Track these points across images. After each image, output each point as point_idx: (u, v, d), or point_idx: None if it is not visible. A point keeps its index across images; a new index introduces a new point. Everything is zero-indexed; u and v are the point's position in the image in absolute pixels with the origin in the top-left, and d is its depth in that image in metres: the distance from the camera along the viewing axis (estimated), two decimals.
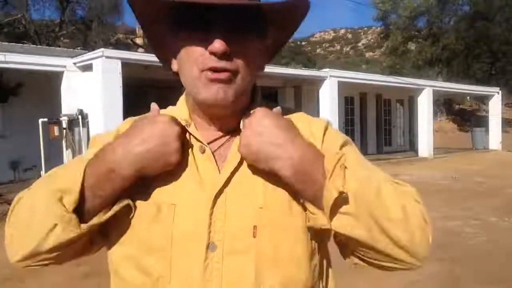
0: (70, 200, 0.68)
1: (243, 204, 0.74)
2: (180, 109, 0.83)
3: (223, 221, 0.72)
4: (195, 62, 0.72)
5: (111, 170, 0.70)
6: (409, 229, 0.66)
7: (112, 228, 0.77)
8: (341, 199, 0.65)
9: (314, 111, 13.30)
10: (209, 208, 0.72)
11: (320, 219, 0.68)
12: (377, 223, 0.65)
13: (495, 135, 18.28)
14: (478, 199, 8.00)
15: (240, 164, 0.76)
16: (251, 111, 0.76)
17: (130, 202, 0.73)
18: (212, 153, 0.78)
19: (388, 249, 0.66)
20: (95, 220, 0.71)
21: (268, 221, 0.73)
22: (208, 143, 0.79)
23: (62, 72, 9.13)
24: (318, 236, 0.76)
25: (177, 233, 0.72)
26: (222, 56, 0.70)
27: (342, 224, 0.66)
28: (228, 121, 0.80)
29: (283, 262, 0.72)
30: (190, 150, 0.77)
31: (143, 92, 9.08)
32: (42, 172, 8.49)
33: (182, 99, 0.85)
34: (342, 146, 0.79)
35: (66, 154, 8.89)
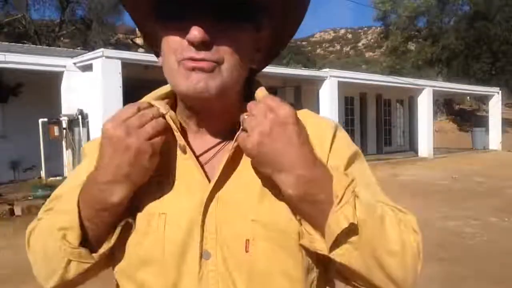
0: (73, 236, 0.67)
1: (234, 215, 0.68)
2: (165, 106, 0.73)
3: (215, 229, 0.68)
4: (173, 52, 0.66)
5: (100, 201, 0.66)
6: (405, 266, 0.64)
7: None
8: (348, 230, 0.61)
9: (314, 111, 13.27)
10: (200, 215, 0.68)
11: (318, 242, 0.64)
12: (376, 257, 0.62)
13: (495, 135, 18.28)
14: (478, 199, 8.00)
15: (233, 169, 0.71)
16: (261, 96, 0.69)
17: (130, 220, 0.69)
18: (203, 164, 0.72)
19: (382, 284, 0.64)
20: (105, 247, 0.69)
21: (261, 235, 0.67)
22: (200, 154, 0.73)
23: (62, 72, 9.14)
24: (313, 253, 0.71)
25: (169, 243, 0.68)
26: (201, 45, 0.63)
27: (342, 253, 0.62)
28: (220, 122, 0.74)
29: (276, 280, 0.68)
30: (176, 150, 0.73)
31: (143, 92, 9.05)
32: (42, 172, 8.51)
33: (163, 91, 0.77)
34: (350, 159, 0.74)
35: (66, 154, 8.90)
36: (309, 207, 0.63)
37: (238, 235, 0.68)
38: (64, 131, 8.77)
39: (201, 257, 0.68)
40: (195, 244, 0.68)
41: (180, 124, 0.74)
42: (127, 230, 0.71)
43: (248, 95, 0.76)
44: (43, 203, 0.81)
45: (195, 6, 0.64)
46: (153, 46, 0.78)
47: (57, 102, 9.14)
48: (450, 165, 13.22)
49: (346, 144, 0.77)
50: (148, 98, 0.76)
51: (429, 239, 5.35)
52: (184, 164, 0.72)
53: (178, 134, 0.71)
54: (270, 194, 0.69)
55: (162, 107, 0.71)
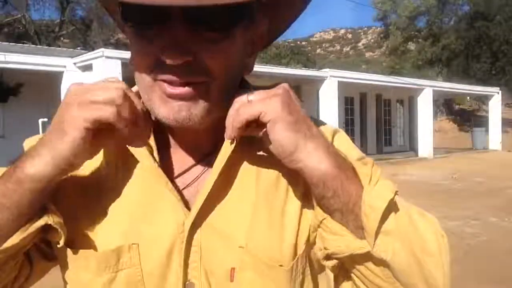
0: None
1: (220, 241, 0.60)
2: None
3: (199, 257, 0.60)
4: (147, 69, 0.55)
5: (15, 170, 0.54)
6: (443, 267, 0.55)
7: (63, 275, 0.64)
8: (388, 212, 0.53)
9: (314, 111, 13.29)
10: (182, 243, 0.59)
11: (353, 242, 0.54)
12: (413, 253, 0.54)
13: (495, 135, 18.28)
14: (478, 199, 8.00)
15: (224, 186, 0.61)
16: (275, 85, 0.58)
17: (52, 221, 0.55)
18: (185, 187, 0.62)
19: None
20: (10, 242, 0.53)
21: (249, 265, 0.59)
22: (183, 172, 0.63)
23: (62, 72, 9.14)
24: (310, 276, 0.64)
25: (148, 276, 0.59)
26: (180, 66, 0.52)
27: (384, 247, 0.53)
28: (203, 137, 0.63)
29: None
30: (153, 173, 0.61)
31: None
32: None
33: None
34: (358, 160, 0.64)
35: None
36: (342, 184, 0.54)
37: (223, 263, 0.60)
38: None
39: (184, 287, 0.60)
40: (176, 275, 0.59)
41: (155, 132, 0.62)
42: (72, 263, 0.60)
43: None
44: None
45: (172, 13, 0.51)
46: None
47: (57, 102, 9.08)
48: (450, 165, 13.21)
49: (349, 147, 0.68)
50: None
51: None
52: (158, 187, 0.61)
53: (153, 153, 0.61)
54: (259, 219, 0.61)
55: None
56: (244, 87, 0.65)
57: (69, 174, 0.58)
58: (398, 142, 18.37)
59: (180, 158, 0.64)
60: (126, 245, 0.59)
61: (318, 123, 0.69)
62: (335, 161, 0.55)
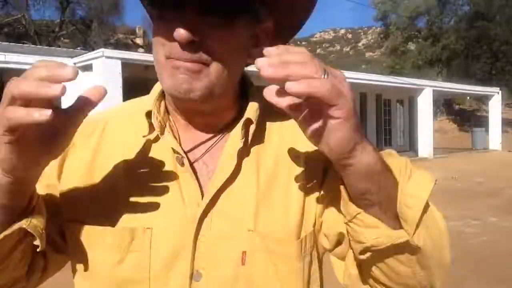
0: None
1: (230, 226, 0.63)
2: (155, 104, 0.67)
3: (208, 246, 0.62)
4: (161, 46, 0.61)
5: None
6: (449, 249, 0.63)
7: (72, 257, 0.66)
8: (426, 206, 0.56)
9: None
10: (192, 231, 0.61)
11: (393, 233, 0.56)
12: (434, 239, 0.60)
13: (495, 135, 18.28)
14: (478, 199, 8.00)
15: (231, 177, 0.64)
16: None
17: (26, 225, 0.54)
18: (193, 163, 0.66)
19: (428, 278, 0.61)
20: None
21: (259, 246, 0.62)
22: (190, 150, 0.67)
23: None
24: (316, 259, 0.67)
25: (155, 262, 0.61)
26: (188, 44, 0.58)
27: (418, 235, 0.56)
28: (211, 118, 0.67)
29: None
30: (167, 159, 0.65)
31: (143, 92, 9.07)
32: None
33: (159, 87, 0.69)
34: None
35: None
36: (385, 177, 0.56)
37: (234, 248, 0.62)
38: None
39: (191, 278, 0.61)
40: (185, 264, 0.61)
41: (168, 117, 0.68)
42: (83, 241, 0.62)
43: (244, 91, 0.71)
44: None
45: (187, 0, 0.58)
46: None
47: (57, 102, 9.14)
48: (450, 165, 13.21)
49: None
50: (149, 99, 0.69)
51: None
52: (177, 172, 0.64)
53: (175, 142, 0.65)
54: (266, 202, 0.65)
55: (157, 122, 0.65)
56: (246, 83, 0.72)
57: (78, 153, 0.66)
58: (398, 142, 18.37)
59: (189, 136, 0.68)
60: (141, 228, 0.62)
61: None
62: (380, 156, 0.56)
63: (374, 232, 0.57)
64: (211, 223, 0.63)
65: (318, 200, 0.67)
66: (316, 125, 0.51)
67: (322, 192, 0.67)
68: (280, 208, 0.65)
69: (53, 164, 0.65)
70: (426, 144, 15.43)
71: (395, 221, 0.57)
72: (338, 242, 0.67)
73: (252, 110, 0.67)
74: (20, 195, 0.55)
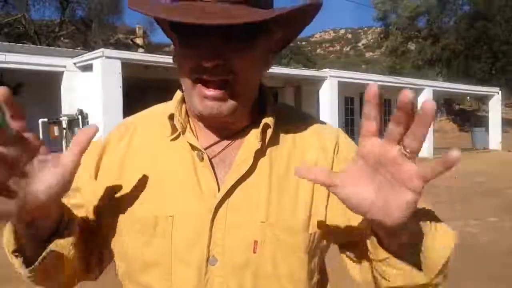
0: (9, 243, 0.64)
1: (244, 217, 0.70)
2: (177, 108, 0.76)
3: (223, 234, 0.69)
4: (188, 71, 0.68)
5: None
6: None
7: (110, 244, 0.75)
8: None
9: (314, 111, 13.29)
10: (209, 220, 0.69)
11: (416, 276, 0.60)
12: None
13: (495, 135, 18.28)
14: (478, 199, 8.00)
15: (246, 173, 0.71)
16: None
17: (55, 248, 0.63)
18: (211, 158, 0.73)
19: None
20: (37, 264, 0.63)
21: (269, 237, 0.69)
22: (208, 147, 0.74)
23: (62, 72, 9.14)
24: (320, 253, 0.74)
25: (175, 247, 0.69)
26: (214, 69, 0.65)
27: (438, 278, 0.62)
28: (231, 125, 0.75)
29: (282, 282, 0.69)
30: (188, 156, 0.73)
31: (143, 92, 9.08)
32: None
33: (180, 94, 0.78)
34: None
35: None
36: (416, 226, 0.59)
37: (246, 237, 0.69)
38: (64, 131, 8.78)
39: (207, 262, 0.68)
40: (202, 249, 0.68)
41: (189, 119, 0.76)
42: (115, 229, 0.72)
43: (259, 94, 0.78)
44: None
45: (209, 27, 0.64)
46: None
47: (57, 102, 9.14)
48: None
49: (350, 152, 0.77)
50: (172, 104, 0.76)
51: None
52: (196, 167, 0.72)
53: (195, 140, 0.72)
54: (277, 195, 0.71)
55: (179, 124, 0.73)
56: (262, 90, 0.79)
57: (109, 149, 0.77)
58: None
59: (208, 136, 0.75)
60: (163, 215, 0.69)
61: (320, 123, 0.83)
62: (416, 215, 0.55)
63: (400, 275, 0.60)
64: (227, 213, 0.69)
65: (326, 204, 0.73)
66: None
67: (329, 198, 0.73)
68: (290, 205, 0.71)
69: (90, 164, 0.75)
70: (426, 144, 15.39)
71: (415, 258, 0.61)
72: (349, 246, 0.73)
73: (269, 118, 0.74)
74: (45, 227, 0.63)
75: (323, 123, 0.83)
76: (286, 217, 0.70)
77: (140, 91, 9.35)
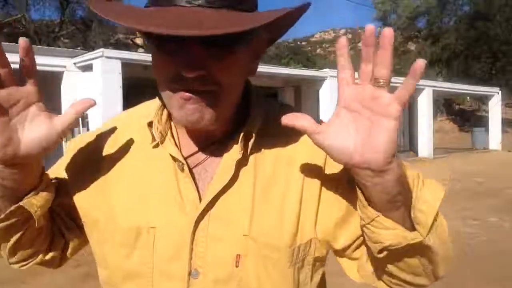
0: None
1: (226, 230, 0.67)
2: (158, 114, 0.72)
3: (205, 247, 0.66)
4: (167, 79, 0.63)
5: None
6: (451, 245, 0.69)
7: (93, 251, 0.75)
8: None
9: (314, 111, 13.29)
10: (190, 232, 0.66)
11: (409, 234, 0.60)
12: (442, 237, 0.66)
13: (495, 135, 18.27)
14: (478, 199, 8.00)
15: (228, 184, 0.68)
16: None
17: (23, 204, 0.65)
18: (191, 169, 0.70)
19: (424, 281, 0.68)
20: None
21: (252, 251, 0.66)
22: (190, 155, 0.71)
23: (62, 72, 9.13)
24: (312, 265, 0.71)
25: (157, 259, 0.66)
26: (196, 79, 0.60)
27: (430, 235, 0.63)
28: (214, 131, 0.71)
29: None
30: (169, 164, 0.70)
31: (143, 92, 9.08)
32: None
33: (159, 101, 0.73)
34: None
35: None
36: (406, 178, 0.62)
37: (229, 250, 0.66)
38: None
39: (189, 275, 0.66)
40: (184, 262, 0.66)
41: (170, 125, 0.73)
42: (97, 238, 0.72)
43: (244, 98, 0.74)
44: None
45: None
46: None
47: (57, 102, 9.13)
48: (450, 165, 13.21)
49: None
50: (153, 108, 0.74)
51: None
52: (178, 176, 0.69)
53: (175, 150, 0.69)
54: (261, 208, 0.68)
55: (157, 133, 0.71)
56: (249, 93, 0.75)
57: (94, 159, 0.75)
58: (398, 142, 18.30)
59: (190, 143, 0.72)
60: (145, 227, 0.67)
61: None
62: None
63: (392, 233, 0.60)
64: (208, 226, 0.67)
65: (317, 210, 0.70)
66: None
67: (320, 202, 0.70)
68: (275, 216, 0.68)
69: (72, 162, 0.76)
70: (426, 144, 15.42)
71: (409, 221, 0.62)
72: (348, 246, 0.72)
73: (252, 123, 0.70)
74: (24, 182, 0.64)
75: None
76: (270, 230, 0.67)
77: (140, 91, 9.35)
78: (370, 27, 0.55)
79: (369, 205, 0.60)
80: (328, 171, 0.71)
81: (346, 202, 0.70)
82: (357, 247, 0.72)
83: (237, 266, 0.66)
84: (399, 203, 0.60)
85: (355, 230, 0.70)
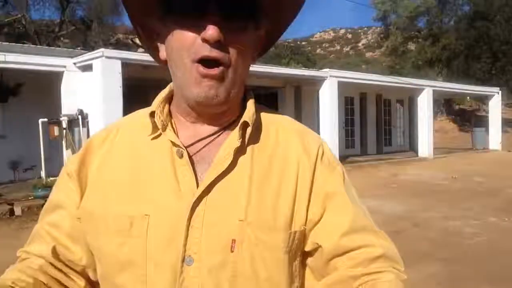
0: None
1: (222, 215, 0.67)
2: (159, 107, 0.75)
3: (200, 233, 0.66)
4: (187, 50, 0.67)
5: None
6: None
7: (90, 245, 0.74)
8: None
9: (314, 111, 13.29)
10: (185, 218, 0.66)
11: None
12: None
13: (495, 135, 18.27)
14: (478, 199, 8.00)
15: (226, 171, 0.69)
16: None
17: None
18: (191, 156, 0.71)
19: None
20: None
21: (248, 236, 0.66)
22: (190, 145, 0.72)
23: (62, 72, 9.13)
24: (301, 259, 0.73)
25: (150, 246, 0.66)
26: (215, 44, 0.65)
27: None
28: (217, 119, 0.74)
29: (260, 284, 0.67)
30: (168, 153, 0.71)
31: (143, 92, 9.06)
32: (42, 173, 8.50)
33: (164, 93, 0.77)
34: (339, 183, 0.76)
35: (66, 154, 8.89)
36: None
37: (224, 235, 0.66)
38: (64, 131, 8.76)
39: (183, 262, 0.65)
40: (178, 248, 0.65)
41: (171, 119, 0.75)
42: (92, 230, 0.71)
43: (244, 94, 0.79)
44: (43, 203, 0.81)
45: (209, 5, 0.64)
46: (148, 44, 0.78)
47: (57, 102, 9.13)
48: (450, 165, 13.21)
49: (331, 168, 0.76)
50: (154, 103, 0.76)
51: (429, 239, 5.35)
52: (175, 165, 0.70)
53: (175, 137, 0.71)
54: (257, 193, 0.69)
55: (159, 121, 0.73)
56: (245, 92, 0.78)
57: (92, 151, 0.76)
58: (398, 142, 18.36)
59: (190, 134, 0.74)
60: (139, 215, 0.67)
61: (303, 127, 0.82)
62: None
63: None
64: (204, 212, 0.67)
65: (307, 205, 0.72)
66: None
67: (312, 197, 0.73)
68: (271, 202, 0.69)
69: (73, 178, 0.74)
70: (426, 144, 15.42)
71: None
72: (314, 251, 0.73)
73: (248, 114, 0.74)
74: None
75: (305, 127, 0.82)
76: (266, 215, 0.68)
77: (140, 91, 9.34)
78: None
79: None
80: (319, 170, 0.74)
81: (330, 203, 0.73)
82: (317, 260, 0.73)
83: (232, 251, 0.66)
84: None
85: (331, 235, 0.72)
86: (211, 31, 0.63)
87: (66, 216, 0.74)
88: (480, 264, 4.37)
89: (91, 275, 0.75)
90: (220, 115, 0.74)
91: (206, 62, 0.66)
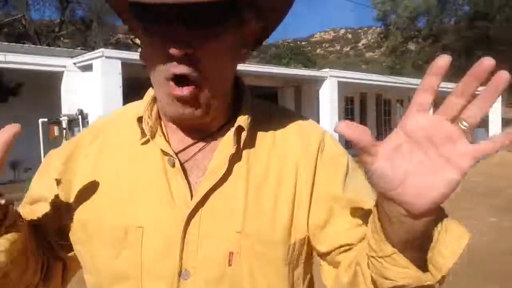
0: None
1: (218, 227, 0.64)
2: (147, 109, 0.70)
3: (197, 245, 0.63)
4: (158, 66, 0.62)
5: None
6: None
7: (80, 256, 0.71)
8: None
9: (314, 111, 13.29)
10: (181, 230, 0.63)
11: (421, 276, 0.55)
12: None
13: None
14: (478, 199, 8.00)
15: (221, 180, 0.66)
16: None
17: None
18: (183, 164, 0.67)
19: None
20: None
21: (246, 248, 0.63)
22: (181, 150, 0.69)
23: (62, 72, 9.14)
24: (304, 265, 0.69)
25: (145, 259, 0.63)
26: (183, 60, 0.59)
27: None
28: (204, 127, 0.69)
29: None
30: (159, 161, 0.67)
31: (143, 92, 9.08)
32: None
33: (151, 94, 0.72)
34: (346, 168, 0.71)
35: None
36: (428, 230, 0.56)
37: (221, 248, 0.63)
38: (64, 131, 8.77)
39: (179, 275, 0.63)
40: (174, 261, 0.63)
41: (160, 121, 0.70)
42: (83, 239, 0.68)
43: (235, 92, 0.73)
44: None
45: (175, 15, 0.58)
46: (135, 35, 0.75)
47: (57, 102, 9.14)
48: None
49: (334, 162, 0.72)
50: (142, 104, 0.72)
51: None
52: (167, 174, 0.67)
53: (166, 145, 0.67)
54: (254, 202, 0.66)
55: (147, 127, 0.68)
56: (239, 87, 0.74)
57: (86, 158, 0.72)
58: None
59: (180, 138, 0.70)
60: (133, 226, 0.64)
61: (303, 119, 0.77)
62: None
63: (404, 272, 0.55)
64: (200, 223, 0.64)
65: (308, 209, 0.68)
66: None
67: (313, 200, 0.69)
68: (268, 212, 0.66)
69: (57, 170, 0.71)
70: None
71: (419, 260, 0.57)
72: (333, 251, 0.68)
73: (244, 117, 0.69)
74: None
75: (306, 119, 0.77)
76: (264, 226, 0.65)
77: (140, 91, 9.34)
78: (491, 62, 0.47)
79: (387, 240, 0.55)
80: (320, 168, 0.70)
81: (336, 205, 0.68)
82: (342, 252, 0.68)
83: (230, 265, 0.63)
84: (418, 244, 0.55)
85: (339, 234, 0.68)
86: (172, 47, 0.58)
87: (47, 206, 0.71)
88: (479, 264, 4.37)
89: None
90: (206, 124, 0.69)
91: (178, 78, 0.61)
